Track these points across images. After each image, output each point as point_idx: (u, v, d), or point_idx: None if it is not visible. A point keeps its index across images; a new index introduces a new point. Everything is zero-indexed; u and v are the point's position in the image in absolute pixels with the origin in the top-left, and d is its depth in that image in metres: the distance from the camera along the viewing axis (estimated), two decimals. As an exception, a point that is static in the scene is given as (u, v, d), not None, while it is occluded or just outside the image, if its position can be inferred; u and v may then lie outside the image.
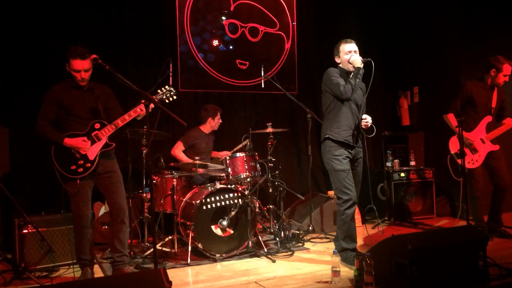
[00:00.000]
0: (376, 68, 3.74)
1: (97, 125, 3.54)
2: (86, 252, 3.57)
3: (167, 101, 3.70)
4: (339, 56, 3.89)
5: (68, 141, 3.44)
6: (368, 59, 3.72)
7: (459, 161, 4.39)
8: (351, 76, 3.78)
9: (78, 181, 3.45)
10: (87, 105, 3.57)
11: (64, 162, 3.45)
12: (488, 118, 4.54)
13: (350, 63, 3.79)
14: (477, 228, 4.12)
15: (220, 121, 5.19)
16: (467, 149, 4.47)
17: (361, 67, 3.72)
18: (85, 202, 3.51)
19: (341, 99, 3.73)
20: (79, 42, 4.87)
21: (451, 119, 4.56)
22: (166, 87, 3.74)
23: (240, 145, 4.96)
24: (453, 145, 4.56)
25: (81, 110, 3.55)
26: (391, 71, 6.69)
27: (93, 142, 3.50)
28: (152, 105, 3.37)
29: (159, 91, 3.71)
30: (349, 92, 3.66)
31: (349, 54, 3.80)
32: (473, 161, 4.47)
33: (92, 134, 3.51)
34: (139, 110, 3.52)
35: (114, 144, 3.60)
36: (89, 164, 3.48)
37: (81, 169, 3.46)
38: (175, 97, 3.75)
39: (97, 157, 3.51)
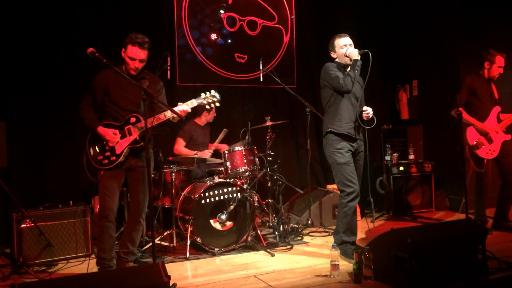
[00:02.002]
0: (375, 62, 3.72)
1: (133, 119, 3.43)
2: (105, 249, 3.41)
3: (207, 107, 3.51)
4: (334, 51, 3.87)
5: (100, 130, 3.39)
6: (365, 50, 3.69)
7: (477, 152, 4.39)
8: (348, 68, 3.76)
9: (102, 172, 3.41)
10: (131, 96, 3.46)
11: (94, 150, 3.43)
12: (497, 108, 4.52)
13: (346, 56, 3.77)
14: (476, 221, 4.12)
15: (215, 114, 5.16)
16: (484, 139, 4.45)
17: (359, 58, 3.70)
18: (110, 194, 3.41)
19: (342, 91, 3.71)
20: (77, 36, 4.89)
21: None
22: (212, 91, 3.52)
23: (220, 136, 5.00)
24: (470, 136, 4.46)
25: (124, 100, 3.46)
26: (390, 65, 6.68)
27: (123, 136, 3.41)
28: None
29: (202, 94, 3.52)
30: (349, 84, 3.65)
31: (345, 47, 3.79)
32: (490, 151, 4.44)
33: (126, 127, 3.42)
34: (177, 112, 3.32)
35: (142, 143, 3.42)
36: (114, 158, 3.40)
37: (106, 161, 3.40)
38: (218, 104, 3.54)
39: (124, 152, 3.40)
